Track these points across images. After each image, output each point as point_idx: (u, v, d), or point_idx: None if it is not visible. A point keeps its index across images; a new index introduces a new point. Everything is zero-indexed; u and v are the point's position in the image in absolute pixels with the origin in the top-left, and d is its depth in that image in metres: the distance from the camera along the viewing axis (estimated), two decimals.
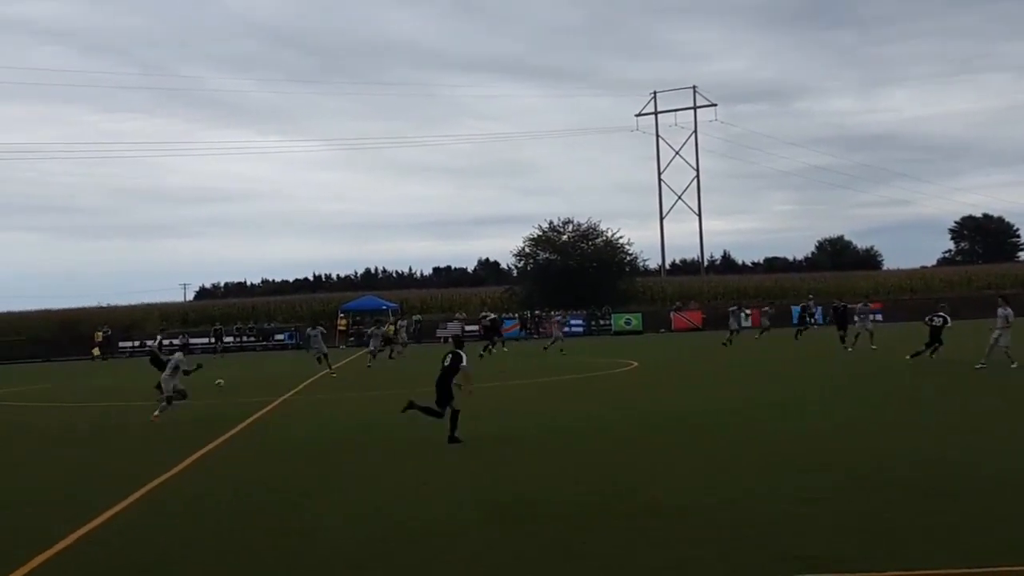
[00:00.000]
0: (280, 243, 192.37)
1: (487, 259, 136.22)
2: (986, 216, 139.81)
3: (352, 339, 78.09)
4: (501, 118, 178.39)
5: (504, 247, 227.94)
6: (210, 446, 18.94)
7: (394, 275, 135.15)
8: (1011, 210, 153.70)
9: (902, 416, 19.24)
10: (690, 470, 14.14)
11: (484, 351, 48.60)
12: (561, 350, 49.11)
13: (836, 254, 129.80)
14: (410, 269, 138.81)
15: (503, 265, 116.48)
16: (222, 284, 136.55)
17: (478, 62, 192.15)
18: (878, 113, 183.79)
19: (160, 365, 26.27)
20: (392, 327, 55.88)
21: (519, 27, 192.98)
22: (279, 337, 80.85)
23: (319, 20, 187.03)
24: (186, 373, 24.24)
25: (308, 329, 40.25)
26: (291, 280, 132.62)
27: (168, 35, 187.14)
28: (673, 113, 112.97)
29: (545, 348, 51.95)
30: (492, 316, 55.64)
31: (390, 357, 49.04)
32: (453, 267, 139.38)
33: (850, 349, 39.81)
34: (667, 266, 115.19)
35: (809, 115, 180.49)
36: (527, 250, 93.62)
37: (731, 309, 55.22)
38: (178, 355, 24.64)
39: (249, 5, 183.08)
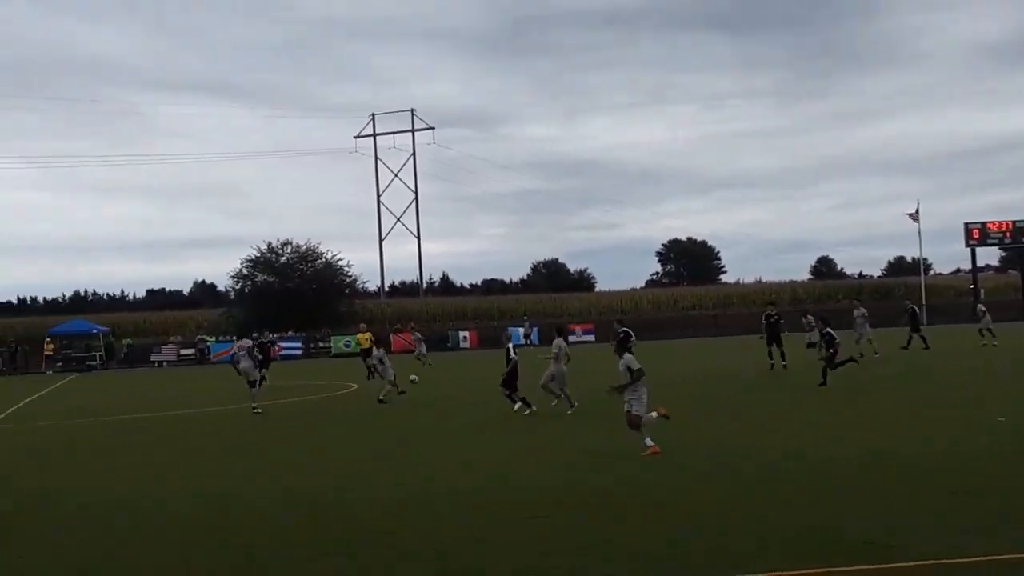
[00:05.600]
0: None
1: (203, 281, 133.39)
2: (690, 240, 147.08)
3: (60, 364, 74.98)
4: (210, 139, 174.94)
5: (220, 269, 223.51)
6: None
7: (105, 297, 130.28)
8: (713, 233, 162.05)
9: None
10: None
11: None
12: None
13: (551, 276, 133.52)
14: (122, 291, 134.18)
15: (220, 288, 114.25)
16: None
17: (177, 81, 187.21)
18: (578, 140, 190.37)
19: None
20: None
21: (226, 47, 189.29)
22: None
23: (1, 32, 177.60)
24: None
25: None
26: None
27: None
28: (392, 136, 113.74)
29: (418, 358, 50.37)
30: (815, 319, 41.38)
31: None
32: (168, 289, 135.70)
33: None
34: (386, 288, 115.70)
35: (513, 140, 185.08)
36: (245, 272, 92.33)
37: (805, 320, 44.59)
38: None
39: None
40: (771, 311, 36.84)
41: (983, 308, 45.84)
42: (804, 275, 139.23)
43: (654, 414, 16.44)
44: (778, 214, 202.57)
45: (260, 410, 27.82)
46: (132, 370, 71.69)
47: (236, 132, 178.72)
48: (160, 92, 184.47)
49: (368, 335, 43.15)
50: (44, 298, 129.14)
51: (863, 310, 39.16)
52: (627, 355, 16.73)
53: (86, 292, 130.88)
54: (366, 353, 41.34)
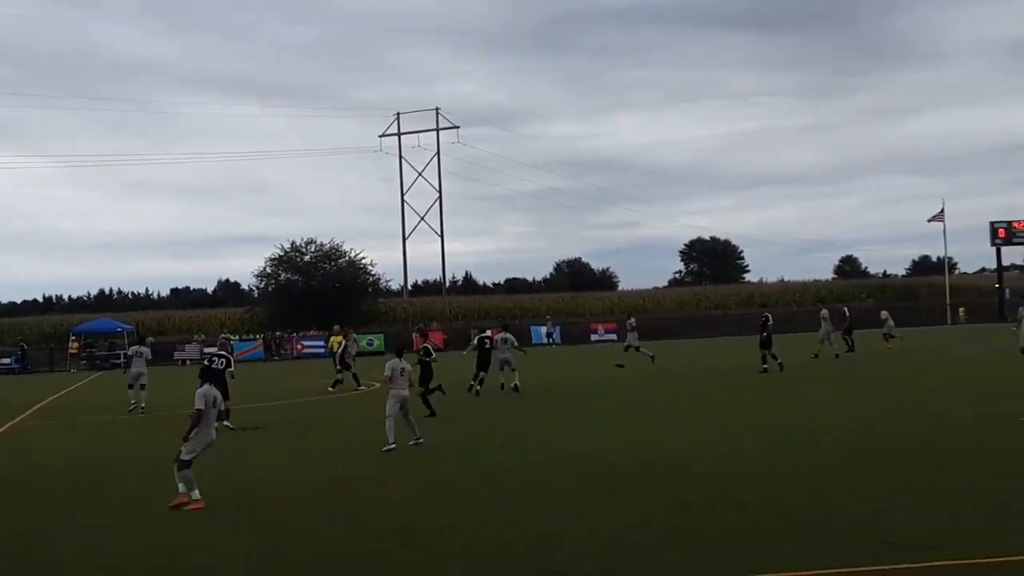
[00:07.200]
0: (4, 263, 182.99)
1: (227, 280, 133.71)
2: (714, 239, 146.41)
3: (84, 362, 75.38)
4: (235, 137, 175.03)
5: (245, 268, 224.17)
6: None
7: (130, 296, 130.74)
8: (737, 233, 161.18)
9: None
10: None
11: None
12: None
13: (574, 275, 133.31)
14: (147, 290, 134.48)
15: (244, 286, 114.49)
16: None
17: (207, 80, 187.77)
18: (603, 138, 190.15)
19: None
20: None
21: (249, 45, 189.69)
22: (5, 361, 76.99)
23: (32, 33, 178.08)
24: None
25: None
26: (19, 302, 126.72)
27: None
28: (416, 135, 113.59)
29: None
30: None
31: None
32: (192, 288, 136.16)
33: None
34: (409, 287, 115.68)
35: (537, 139, 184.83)
36: (268, 270, 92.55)
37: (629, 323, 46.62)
38: None
39: None
40: (765, 314, 39.67)
41: None
42: (828, 274, 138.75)
43: (184, 489, 14.03)
44: (804, 213, 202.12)
45: (141, 410, 31.37)
46: (155, 368, 71.80)
47: (263, 131, 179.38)
48: (189, 92, 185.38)
49: (339, 338, 42.69)
50: (70, 296, 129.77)
51: (825, 311, 44.79)
52: (199, 388, 14.51)
53: (111, 291, 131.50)
54: (337, 356, 41.18)
